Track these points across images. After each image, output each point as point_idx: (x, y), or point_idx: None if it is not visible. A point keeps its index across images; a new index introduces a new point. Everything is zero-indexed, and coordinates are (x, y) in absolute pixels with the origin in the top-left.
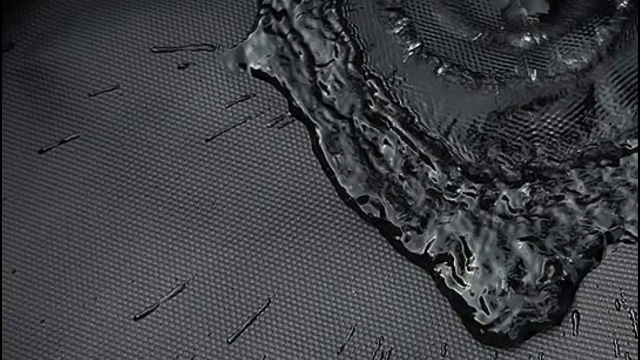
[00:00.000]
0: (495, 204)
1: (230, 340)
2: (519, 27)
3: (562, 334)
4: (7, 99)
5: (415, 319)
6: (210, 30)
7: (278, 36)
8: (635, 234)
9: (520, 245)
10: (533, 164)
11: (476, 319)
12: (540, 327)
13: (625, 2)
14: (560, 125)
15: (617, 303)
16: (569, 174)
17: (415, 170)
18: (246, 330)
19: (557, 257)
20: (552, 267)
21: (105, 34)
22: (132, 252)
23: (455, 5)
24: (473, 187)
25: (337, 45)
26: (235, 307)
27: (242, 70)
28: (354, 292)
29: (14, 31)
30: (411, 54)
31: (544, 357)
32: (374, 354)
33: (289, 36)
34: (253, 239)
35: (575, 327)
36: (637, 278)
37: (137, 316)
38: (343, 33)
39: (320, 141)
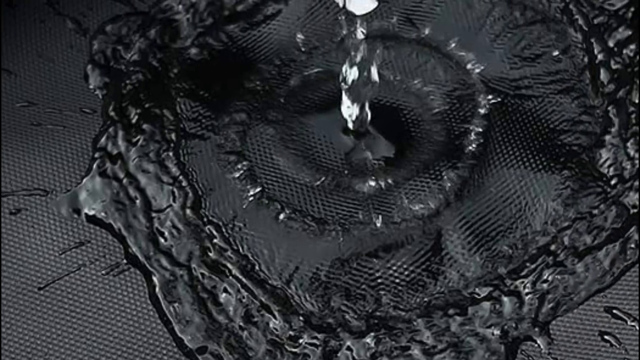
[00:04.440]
0: (339, 354)
1: None
2: (363, 171)
3: None
4: None
5: None
6: (42, 174)
7: (113, 180)
8: None
9: None
10: (378, 313)
11: None
12: None
13: (474, 145)
14: (406, 272)
15: None
16: (415, 323)
17: (255, 319)
18: None
19: None
20: None
21: None
22: None
23: (296, 148)
24: (316, 337)
25: (175, 190)
26: None
27: (75, 216)
28: None
29: None
30: (251, 198)
31: None
32: None
33: (125, 180)
34: None
35: None
36: None
37: None
38: (181, 177)
39: (157, 289)
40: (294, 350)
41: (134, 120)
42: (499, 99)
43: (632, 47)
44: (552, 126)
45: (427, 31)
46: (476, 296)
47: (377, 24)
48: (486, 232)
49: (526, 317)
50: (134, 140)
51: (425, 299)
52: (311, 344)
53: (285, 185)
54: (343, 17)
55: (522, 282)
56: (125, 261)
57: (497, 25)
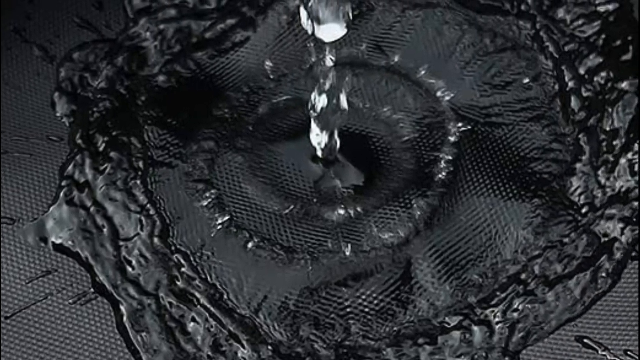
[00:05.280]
0: None
1: None
2: (332, 200)
3: None
4: None
5: None
6: (9, 203)
7: (80, 209)
8: None
9: None
10: (347, 343)
11: None
12: None
13: (444, 174)
14: (376, 301)
15: None
16: (384, 352)
17: (224, 349)
18: None
19: None
20: None
21: None
22: None
23: (265, 176)
24: None
25: (142, 219)
26: None
27: (42, 245)
28: None
29: None
30: (220, 227)
31: None
32: None
33: (92, 209)
34: None
35: None
36: None
37: None
38: (148, 206)
39: (125, 318)
40: None
41: (101, 149)
42: (469, 127)
43: (603, 74)
44: (522, 154)
45: (396, 59)
46: (446, 325)
47: (347, 52)
48: (456, 261)
49: (497, 346)
50: (102, 168)
51: (395, 329)
52: None
53: (254, 214)
54: (312, 45)
55: (493, 311)
56: (92, 290)
57: (468, 53)
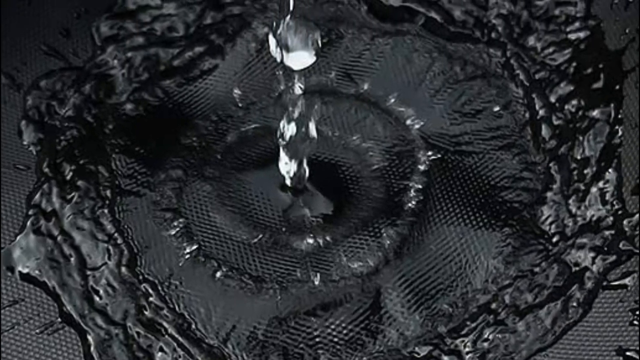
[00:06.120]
0: None
1: None
2: (301, 229)
3: None
4: None
5: None
6: None
7: (47, 238)
8: None
9: None
10: None
11: None
12: None
13: (413, 202)
14: (345, 331)
15: None
16: None
17: None
18: None
19: None
20: None
21: None
22: None
23: (233, 205)
24: None
25: (110, 247)
26: None
27: (9, 274)
28: None
29: None
30: (187, 256)
31: None
32: None
33: (59, 238)
34: None
35: None
36: None
37: None
38: (116, 234)
39: (92, 348)
40: None
41: (68, 177)
42: (439, 155)
43: (574, 102)
44: (492, 183)
45: (366, 86)
46: (416, 355)
47: (315, 79)
48: (426, 290)
49: None
50: (69, 197)
51: (364, 358)
52: None
53: (222, 243)
54: (281, 72)
55: (463, 341)
56: (59, 320)
57: (437, 81)
